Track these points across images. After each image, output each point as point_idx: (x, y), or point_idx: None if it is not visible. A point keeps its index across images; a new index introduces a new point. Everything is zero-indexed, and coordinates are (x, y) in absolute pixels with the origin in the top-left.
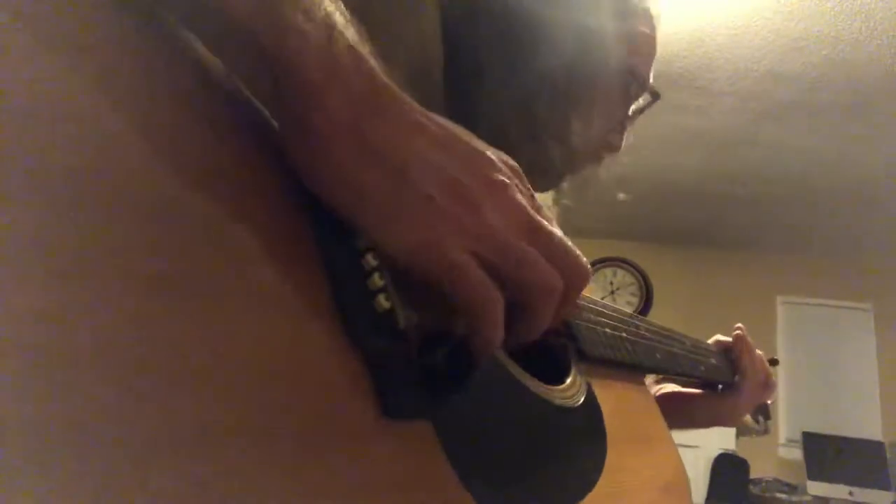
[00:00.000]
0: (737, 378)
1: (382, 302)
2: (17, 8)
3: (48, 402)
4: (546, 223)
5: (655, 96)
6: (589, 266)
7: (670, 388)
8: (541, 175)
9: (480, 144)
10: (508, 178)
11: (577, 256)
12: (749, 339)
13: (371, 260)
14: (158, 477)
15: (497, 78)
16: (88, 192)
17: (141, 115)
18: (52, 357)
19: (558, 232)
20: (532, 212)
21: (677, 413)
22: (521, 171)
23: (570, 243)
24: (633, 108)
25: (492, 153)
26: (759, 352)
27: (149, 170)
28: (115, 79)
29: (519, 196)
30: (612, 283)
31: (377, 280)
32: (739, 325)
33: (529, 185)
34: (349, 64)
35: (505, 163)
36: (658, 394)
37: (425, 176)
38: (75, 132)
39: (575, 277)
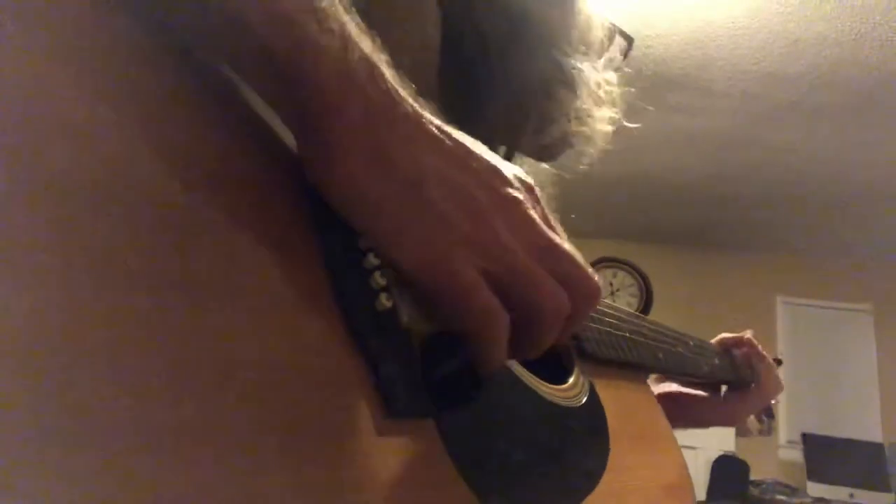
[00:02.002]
0: (753, 385)
1: (384, 301)
2: (19, 16)
3: (47, 402)
4: (558, 240)
5: (629, 39)
6: (599, 285)
7: (673, 387)
8: (554, 128)
9: (495, 160)
10: (522, 194)
11: (588, 276)
12: (758, 345)
13: (373, 259)
14: (159, 477)
15: (502, 45)
16: (87, 195)
17: (142, 120)
18: (49, 357)
19: (570, 249)
20: (545, 228)
21: (681, 412)
22: (535, 187)
23: (581, 261)
24: (613, 55)
25: (506, 169)
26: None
27: (149, 172)
28: (113, 84)
29: (532, 213)
30: (611, 284)
31: (379, 279)
32: (750, 331)
33: (542, 202)
34: (365, 76)
35: (519, 178)
36: (660, 392)
37: (440, 191)
38: (77, 137)
39: (584, 297)
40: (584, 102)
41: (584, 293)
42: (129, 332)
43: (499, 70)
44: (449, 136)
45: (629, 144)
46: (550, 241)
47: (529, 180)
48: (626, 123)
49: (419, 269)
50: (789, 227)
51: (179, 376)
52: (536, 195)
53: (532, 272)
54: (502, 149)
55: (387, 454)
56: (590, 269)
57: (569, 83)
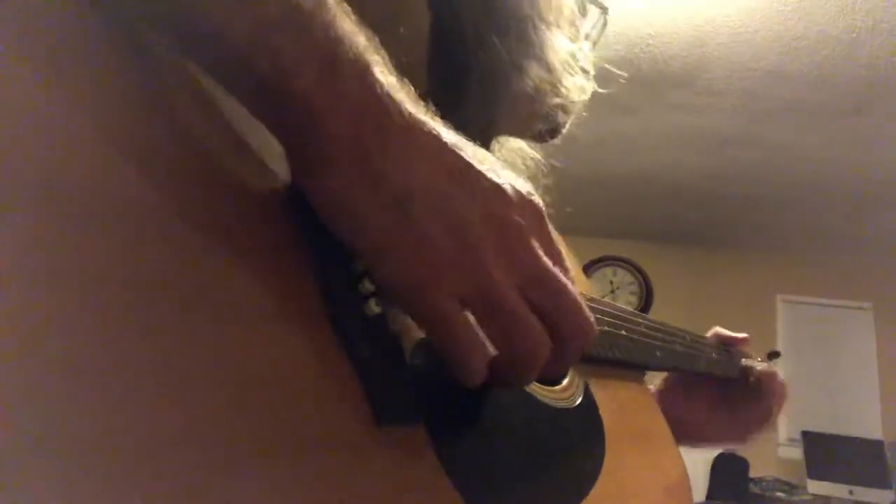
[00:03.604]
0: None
1: (373, 307)
2: (12, 28)
3: (39, 410)
4: (555, 271)
5: (604, 10)
6: (595, 325)
7: (674, 407)
8: (529, 102)
9: (500, 176)
10: (523, 217)
11: (583, 315)
12: (766, 366)
13: (361, 265)
14: (148, 485)
15: (476, 26)
16: (80, 206)
17: (130, 130)
18: (38, 366)
19: (568, 284)
20: (543, 259)
21: (685, 434)
22: (541, 208)
23: (577, 296)
24: (590, 29)
25: (510, 186)
26: (768, 367)
27: (139, 181)
28: (103, 96)
29: (531, 240)
30: (611, 283)
31: (368, 285)
32: (745, 335)
33: (548, 225)
34: (353, 86)
35: (523, 197)
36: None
37: (429, 210)
38: (68, 149)
39: (575, 337)
40: (558, 74)
41: (575, 331)
42: (116, 340)
43: (473, 53)
44: (448, 146)
45: (629, 143)
46: (546, 273)
47: (537, 200)
48: (598, 89)
49: (399, 291)
50: (790, 225)
51: (167, 385)
52: (542, 216)
53: (512, 309)
54: (490, 139)
55: (376, 461)
56: (585, 307)
57: (540, 57)
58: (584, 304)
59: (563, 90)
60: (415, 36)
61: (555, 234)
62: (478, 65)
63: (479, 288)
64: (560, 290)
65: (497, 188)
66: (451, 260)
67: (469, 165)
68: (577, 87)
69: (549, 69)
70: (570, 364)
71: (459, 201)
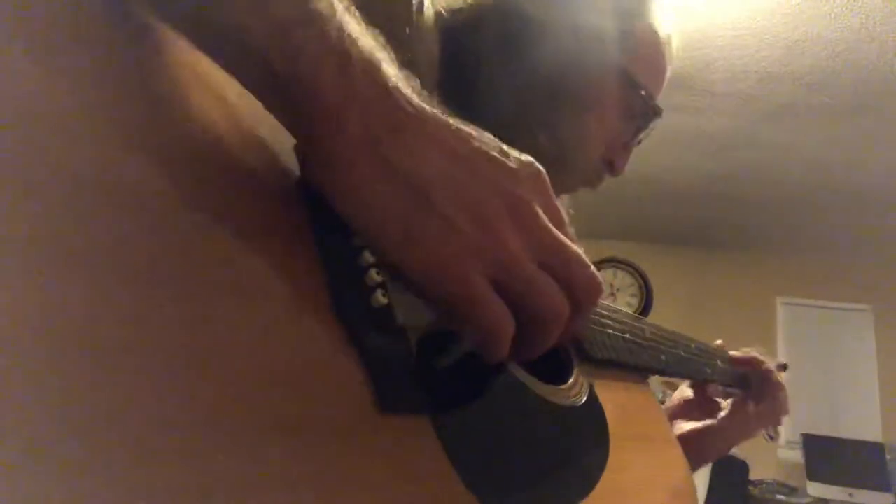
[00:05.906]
0: (762, 405)
1: (380, 298)
2: (12, 18)
3: (47, 397)
4: (564, 240)
5: (657, 113)
6: (602, 283)
7: (680, 426)
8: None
9: (501, 153)
10: (530, 190)
11: (592, 275)
12: (769, 364)
13: (368, 256)
14: (157, 472)
15: (493, 71)
16: (86, 192)
17: (136, 119)
18: (45, 353)
19: (575, 248)
20: (551, 228)
21: (694, 451)
22: (544, 175)
23: (585, 259)
24: (636, 127)
25: (514, 162)
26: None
27: (148, 170)
28: (111, 85)
29: (539, 211)
30: (611, 285)
31: (374, 276)
32: (753, 349)
33: (549, 190)
34: (366, 82)
35: (527, 169)
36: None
37: (446, 196)
38: (73, 135)
39: (587, 296)
40: (574, 126)
41: (586, 291)
42: (120, 329)
43: (486, 89)
44: (454, 131)
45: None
46: (556, 241)
47: (538, 167)
48: None
49: (427, 277)
50: (790, 227)
51: (170, 375)
52: (544, 183)
53: (535, 279)
54: None
55: (381, 451)
56: (592, 267)
57: (554, 126)
58: (591, 265)
59: (577, 185)
60: (422, 55)
61: (557, 201)
62: (484, 108)
63: (501, 261)
64: (570, 256)
65: (504, 167)
66: (472, 239)
67: (476, 149)
68: (582, 170)
69: (560, 143)
70: (583, 324)
71: (474, 183)
